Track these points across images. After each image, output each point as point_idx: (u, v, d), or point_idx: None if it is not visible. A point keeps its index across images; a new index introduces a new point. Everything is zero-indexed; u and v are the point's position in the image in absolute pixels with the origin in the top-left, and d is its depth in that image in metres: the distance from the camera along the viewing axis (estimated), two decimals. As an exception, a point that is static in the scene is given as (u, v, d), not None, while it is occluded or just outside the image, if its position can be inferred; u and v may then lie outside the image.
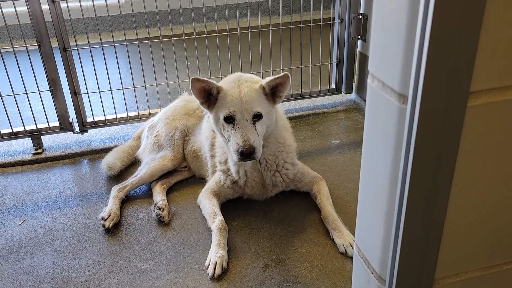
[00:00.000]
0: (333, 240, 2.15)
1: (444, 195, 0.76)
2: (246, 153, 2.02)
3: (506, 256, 0.94)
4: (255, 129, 2.07)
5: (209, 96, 2.14)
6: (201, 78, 2.10)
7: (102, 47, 2.92)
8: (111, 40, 2.92)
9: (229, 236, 2.22)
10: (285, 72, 2.11)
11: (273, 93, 2.16)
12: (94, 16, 2.85)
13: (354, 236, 2.10)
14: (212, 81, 2.13)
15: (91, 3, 2.84)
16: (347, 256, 2.07)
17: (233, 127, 2.07)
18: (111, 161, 2.73)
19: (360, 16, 3.16)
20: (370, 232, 0.91)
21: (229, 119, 2.08)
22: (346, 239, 2.11)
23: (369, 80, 0.80)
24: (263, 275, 2.01)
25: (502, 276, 0.93)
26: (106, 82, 3.03)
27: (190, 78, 2.09)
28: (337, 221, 2.20)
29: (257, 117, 2.08)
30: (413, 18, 0.66)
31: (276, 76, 2.11)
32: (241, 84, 2.12)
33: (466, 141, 0.73)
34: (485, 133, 0.74)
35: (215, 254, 2.05)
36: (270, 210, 2.41)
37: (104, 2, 2.86)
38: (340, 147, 2.96)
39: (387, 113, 0.75)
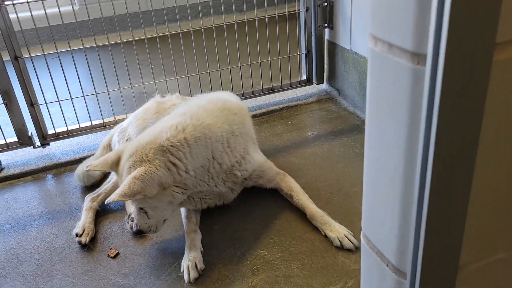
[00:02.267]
0: (325, 235, 2.05)
1: (469, 169, 0.66)
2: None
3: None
4: (146, 214, 1.92)
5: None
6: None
7: (57, 53, 2.73)
8: (68, 49, 2.74)
9: (212, 241, 2.09)
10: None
11: None
12: (48, 25, 2.65)
13: (344, 227, 2.04)
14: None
15: (43, 12, 2.64)
16: (338, 250, 1.97)
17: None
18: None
19: (326, 4, 3.08)
20: (382, 219, 0.81)
21: None
22: (339, 232, 2.01)
23: (370, 44, 0.69)
24: (252, 278, 1.89)
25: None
26: (65, 92, 2.83)
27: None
28: (325, 216, 2.10)
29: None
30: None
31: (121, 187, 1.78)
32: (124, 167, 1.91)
33: (492, 103, 0.63)
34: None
35: (187, 257, 1.96)
36: (251, 210, 2.29)
37: (57, 10, 2.66)
38: (317, 139, 2.87)
39: (398, 79, 0.64)
